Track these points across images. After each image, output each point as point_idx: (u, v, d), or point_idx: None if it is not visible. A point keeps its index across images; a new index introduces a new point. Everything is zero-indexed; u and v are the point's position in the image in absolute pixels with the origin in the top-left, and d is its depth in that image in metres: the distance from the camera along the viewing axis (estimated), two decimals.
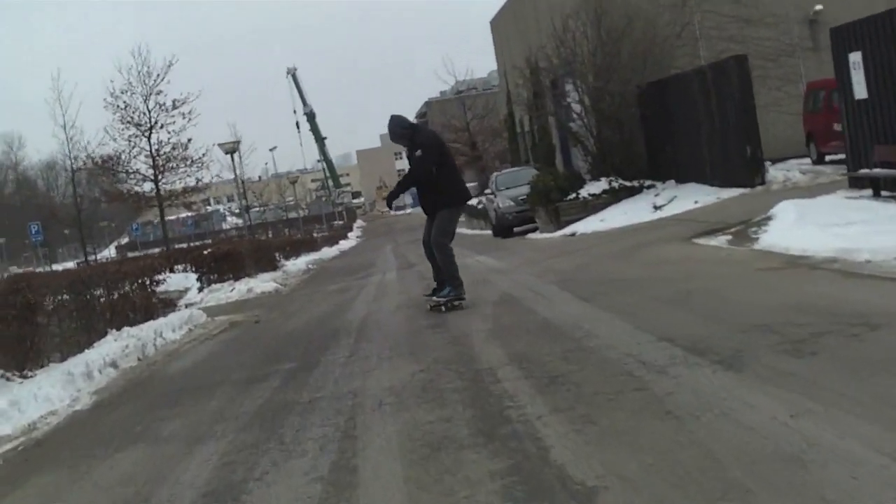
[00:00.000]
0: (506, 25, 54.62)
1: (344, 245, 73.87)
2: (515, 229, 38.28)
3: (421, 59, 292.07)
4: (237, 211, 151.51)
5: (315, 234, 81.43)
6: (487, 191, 41.49)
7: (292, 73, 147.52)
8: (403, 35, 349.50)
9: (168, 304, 21.39)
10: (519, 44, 49.88)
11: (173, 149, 46.05)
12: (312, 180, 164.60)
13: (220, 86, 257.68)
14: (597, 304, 12.52)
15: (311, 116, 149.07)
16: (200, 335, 18.68)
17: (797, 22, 36.40)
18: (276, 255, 41.55)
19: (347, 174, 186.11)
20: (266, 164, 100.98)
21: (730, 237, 18.08)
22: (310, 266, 42.21)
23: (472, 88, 76.08)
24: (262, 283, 30.66)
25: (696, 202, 27.90)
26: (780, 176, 28.05)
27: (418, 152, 14.34)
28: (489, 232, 47.44)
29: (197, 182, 47.88)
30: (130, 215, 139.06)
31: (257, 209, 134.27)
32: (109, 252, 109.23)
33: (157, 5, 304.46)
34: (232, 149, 40.02)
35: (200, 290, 31.01)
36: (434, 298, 14.94)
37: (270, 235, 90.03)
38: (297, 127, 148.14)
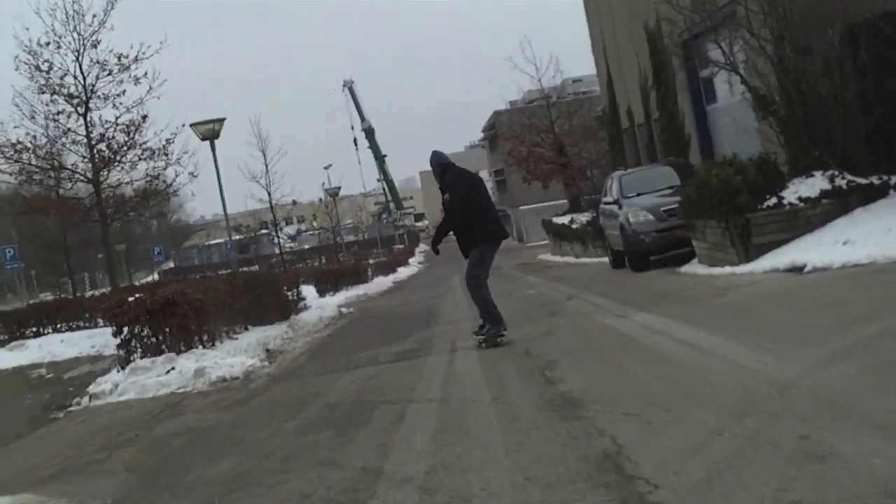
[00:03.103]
0: None
1: (402, 273, 59.69)
2: (652, 257, 23.72)
3: (489, 70, 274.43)
4: (293, 234, 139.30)
5: (370, 260, 67.31)
6: (607, 199, 26.67)
7: (349, 86, 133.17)
8: (469, 44, 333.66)
9: None
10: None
11: (124, 130, 30.82)
12: (375, 203, 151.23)
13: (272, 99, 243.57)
14: None
15: (369, 132, 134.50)
16: None
17: None
18: (294, 292, 27.10)
19: (411, 197, 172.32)
20: (323, 184, 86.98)
21: None
22: (342, 310, 27.72)
23: (546, 97, 60.86)
24: (229, 359, 16.41)
25: None
26: None
27: (446, 196, 13.83)
28: (599, 260, 32.82)
29: (151, 182, 32.37)
30: (171, 236, 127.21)
31: (311, 233, 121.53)
32: (152, 277, 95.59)
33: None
34: (211, 133, 25.08)
35: (123, 367, 16.72)
36: (476, 338, 13.72)
37: (323, 261, 76.07)
38: (355, 144, 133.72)
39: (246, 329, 21.24)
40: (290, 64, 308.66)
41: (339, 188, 70.09)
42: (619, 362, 9.88)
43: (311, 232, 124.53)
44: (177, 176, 32.22)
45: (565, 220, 47.98)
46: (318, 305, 29.45)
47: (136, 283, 44.52)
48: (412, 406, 9.44)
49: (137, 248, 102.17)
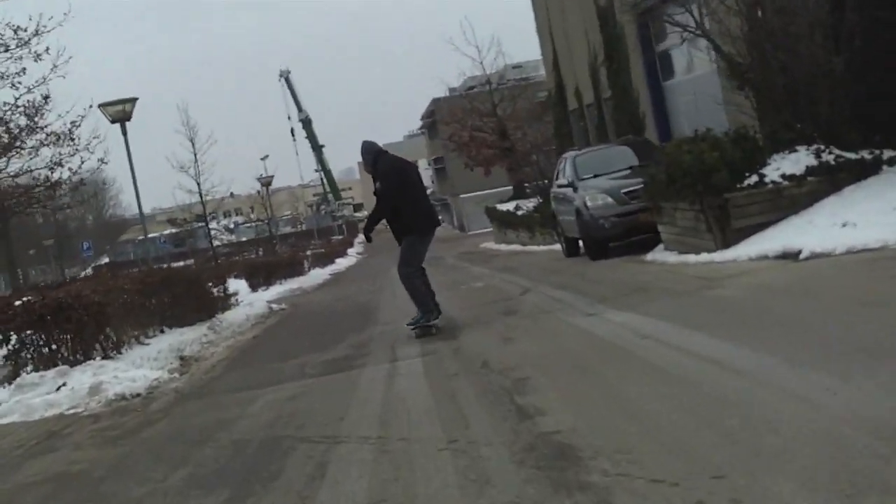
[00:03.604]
0: None
1: (340, 264, 57.18)
2: (612, 244, 21.41)
3: (428, 58, 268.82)
4: (231, 226, 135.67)
5: (308, 252, 64.61)
6: (560, 182, 24.21)
7: (285, 77, 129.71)
8: (407, 32, 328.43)
9: None
10: None
11: (24, 113, 27.17)
12: (314, 194, 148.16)
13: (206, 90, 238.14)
14: None
15: (307, 122, 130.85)
16: None
17: None
18: (220, 288, 24.53)
19: (350, 188, 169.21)
20: (261, 175, 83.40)
21: None
22: (272, 307, 25.10)
23: (487, 81, 58.11)
24: (132, 372, 13.84)
25: None
26: None
27: (377, 184, 13.69)
28: (548, 248, 30.56)
29: (53, 169, 28.96)
30: (106, 231, 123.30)
31: (248, 225, 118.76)
32: (85, 273, 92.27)
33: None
34: (122, 114, 22.22)
35: (10, 381, 14.12)
36: (408, 326, 13.49)
37: (261, 253, 73.42)
38: (293, 134, 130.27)
39: (161, 332, 18.66)
40: (224, 52, 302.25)
41: (272, 177, 67.04)
42: (611, 382, 7.49)
43: (248, 224, 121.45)
44: (83, 163, 28.78)
45: (510, 206, 45.53)
46: (249, 302, 26.89)
47: (43, 282, 40.65)
48: (339, 449, 6.94)
49: (72, 242, 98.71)
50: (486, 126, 55.25)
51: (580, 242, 23.22)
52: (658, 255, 18.25)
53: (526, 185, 48.84)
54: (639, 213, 20.04)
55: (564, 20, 36.30)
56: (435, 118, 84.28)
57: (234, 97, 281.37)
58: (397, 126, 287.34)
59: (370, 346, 13.33)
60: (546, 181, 39.76)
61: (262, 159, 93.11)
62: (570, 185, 22.73)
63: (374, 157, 13.82)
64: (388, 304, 20.49)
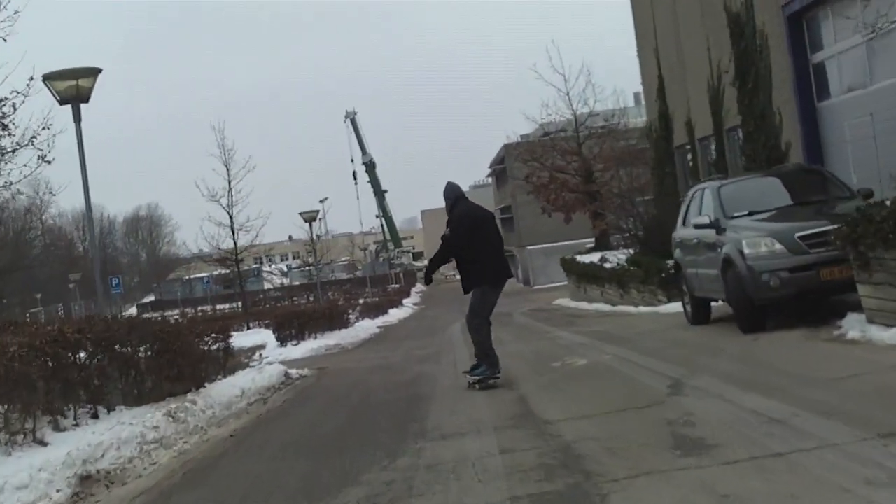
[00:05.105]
0: None
1: (392, 316, 50.61)
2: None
3: (499, 105, 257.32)
4: (285, 270, 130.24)
5: (360, 300, 58.22)
6: (698, 221, 16.84)
7: (351, 118, 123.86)
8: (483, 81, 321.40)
9: None
10: None
11: None
12: (374, 242, 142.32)
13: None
14: None
15: (370, 167, 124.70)
16: None
17: None
18: (220, 345, 17.86)
19: (412, 237, 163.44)
20: (320, 219, 76.78)
21: None
22: (288, 374, 18.20)
23: (561, 131, 50.84)
24: None
25: None
26: None
27: (447, 228, 13.44)
28: (651, 309, 23.86)
29: None
30: (157, 268, 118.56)
31: (301, 269, 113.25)
32: (129, 311, 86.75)
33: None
34: (74, 92, 14.68)
35: None
36: (468, 377, 13.02)
37: (311, 299, 67.41)
38: (354, 177, 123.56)
39: (94, 417, 11.86)
40: (285, 92, 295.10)
41: (317, 212, 59.74)
42: None
43: (301, 268, 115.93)
44: (2, 154, 20.14)
45: (593, 258, 38.16)
46: (268, 362, 20.43)
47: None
48: None
49: (124, 278, 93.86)
50: (569, 167, 47.92)
51: (712, 304, 17.10)
52: (869, 331, 11.52)
53: (627, 233, 41.05)
54: (821, 267, 13.46)
55: (677, 38, 29.51)
56: (505, 165, 77.92)
57: (294, 138, 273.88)
58: (464, 175, 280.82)
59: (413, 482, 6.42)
60: (642, 232, 32.80)
61: (320, 201, 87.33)
62: (713, 225, 15.66)
63: (453, 201, 13.52)
64: (446, 385, 13.82)
